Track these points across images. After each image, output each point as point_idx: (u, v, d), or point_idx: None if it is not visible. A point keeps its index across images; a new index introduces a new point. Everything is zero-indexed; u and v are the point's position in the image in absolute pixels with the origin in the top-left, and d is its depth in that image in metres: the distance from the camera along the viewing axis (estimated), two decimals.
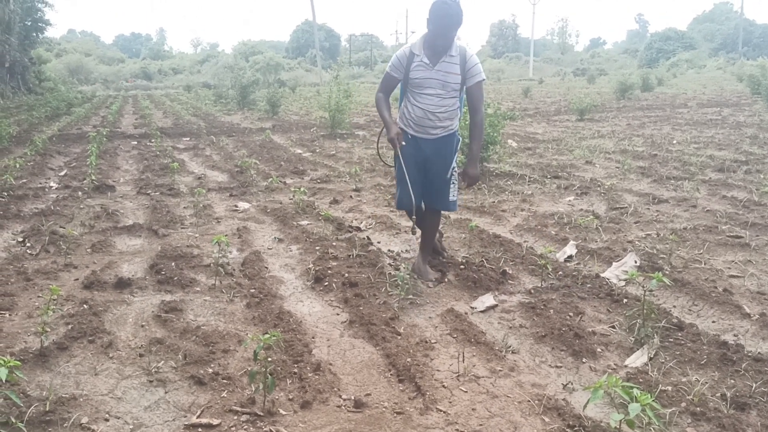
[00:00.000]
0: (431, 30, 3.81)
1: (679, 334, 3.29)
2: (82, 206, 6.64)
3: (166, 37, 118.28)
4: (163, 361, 3.09)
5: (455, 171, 4.17)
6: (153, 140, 12.64)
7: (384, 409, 2.69)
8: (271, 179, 7.93)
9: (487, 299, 3.91)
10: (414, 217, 4.19)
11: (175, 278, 4.24)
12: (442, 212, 4.73)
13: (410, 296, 3.94)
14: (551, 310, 3.66)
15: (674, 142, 11.04)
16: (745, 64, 46.14)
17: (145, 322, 3.60)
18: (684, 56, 61.91)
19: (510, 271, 4.41)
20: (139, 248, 5.15)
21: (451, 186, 4.17)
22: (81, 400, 2.73)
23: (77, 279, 4.32)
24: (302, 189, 6.93)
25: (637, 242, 5.01)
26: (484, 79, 4.00)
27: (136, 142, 12.90)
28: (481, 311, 3.77)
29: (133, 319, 3.65)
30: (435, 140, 4.07)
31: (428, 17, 3.79)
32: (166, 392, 2.83)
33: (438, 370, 3.03)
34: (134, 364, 3.08)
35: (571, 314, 3.62)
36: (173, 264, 4.55)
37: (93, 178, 7.78)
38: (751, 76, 24.99)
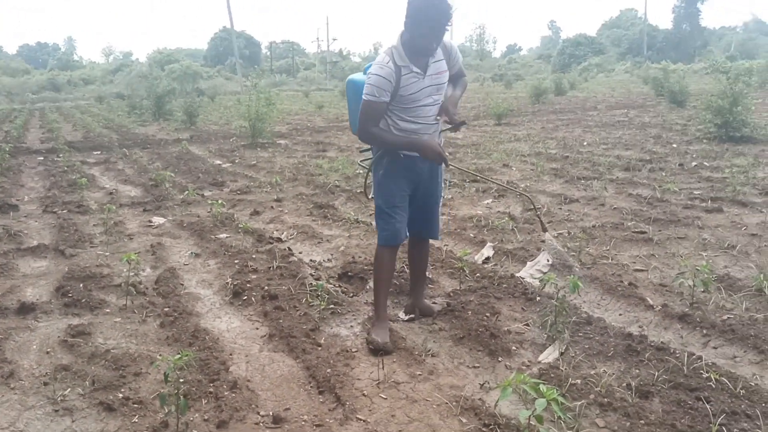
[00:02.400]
0: (419, 33, 3.06)
1: (588, 328, 3.43)
2: None
3: (75, 47, 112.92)
4: (69, 389, 2.93)
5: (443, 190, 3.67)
6: (61, 155, 12.06)
7: (303, 423, 2.66)
8: (187, 192, 7.72)
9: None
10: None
11: (83, 300, 4.05)
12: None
13: (331, 306, 3.92)
14: (469, 312, 3.73)
15: (585, 143, 11.53)
16: (650, 68, 48.69)
17: (50, 348, 3.41)
18: (594, 61, 64.83)
19: (430, 275, 4.46)
20: (44, 270, 4.88)
21: (439, 208, 3.67)
22: None
23: None
24: (221, 201, 6.79)
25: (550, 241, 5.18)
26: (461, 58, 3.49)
27: (42, 158, 12.26)
28: (405, 321, 3.79)
29: (37, 345, 3.45)
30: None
31: (410, 16, 3.06)
32: (73, 421, 2.70)
33: (358, 379, 3.02)
34: (38, 394, 2.92)
35: (488, 315, 3.70)
36: (81, 285, 4.34)
37: None
38: (654, 78, 26.45)
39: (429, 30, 3.04)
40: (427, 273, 4.06)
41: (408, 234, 3.59)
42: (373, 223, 6.11)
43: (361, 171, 8.83)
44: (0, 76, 59.12)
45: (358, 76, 3.54)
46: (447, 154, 3.30)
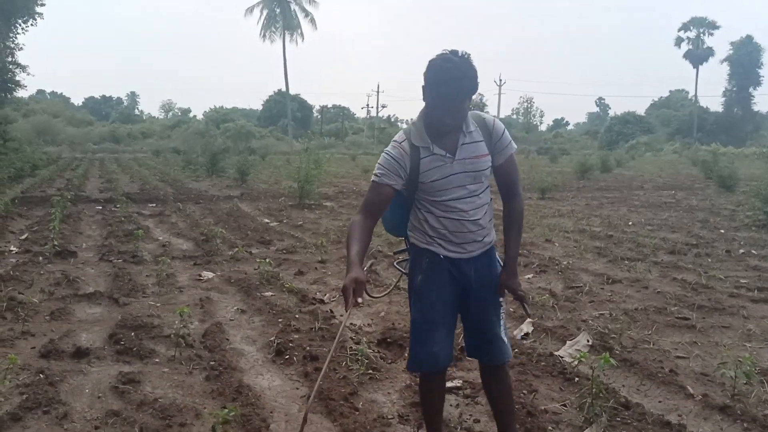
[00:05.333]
0: (430, 102, 2.54)
1: (626, 413, 3.41)
2: (42, 272, 6.58)
3: (138, 102, 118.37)
4: None
5: (503, 301, 2.83)
6: (118, 205, 12.62)
7: None
8: (236, 249, 7.99)
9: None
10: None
11: (134, 349, 4.24)
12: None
13: (370, 371, 4.00)
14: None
15: (630, 223, 11.48)
16: (699, 149, 48.44)
17: (101, 393, 3.58)
18: (642, 139, 64.81)
19: None
20: (98, 317, 5.12)
21: (502, 321, 2.81)
22: None
23: (34, 347, 4.28)
24: (267, 259, 7.00)
25: (590, 321, 5.19)
26: (515, 149, 2.77)
27: (100, 207, 12.86)
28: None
29: (89, 389, 3.63)
30: (477, 258, 2.75)
31: (424, 84, 2.52)
32: None
33: None
34: None
35: (525, 392, 3.73)
36: (133, 334, 4.55)
37: (55, 243, 7.73)
38: (704, 161, 26.23)
39: (439, 99, 2.49)
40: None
41: (475, 358, 2.95)
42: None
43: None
44: (65, 126, 62.35)
45: None
46: (360, 300, 2.39)
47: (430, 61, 2.48)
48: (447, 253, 2.69)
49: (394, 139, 2.68)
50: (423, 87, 2.52)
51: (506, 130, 2.72)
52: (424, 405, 2.97)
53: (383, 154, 2.66)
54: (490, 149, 2.66)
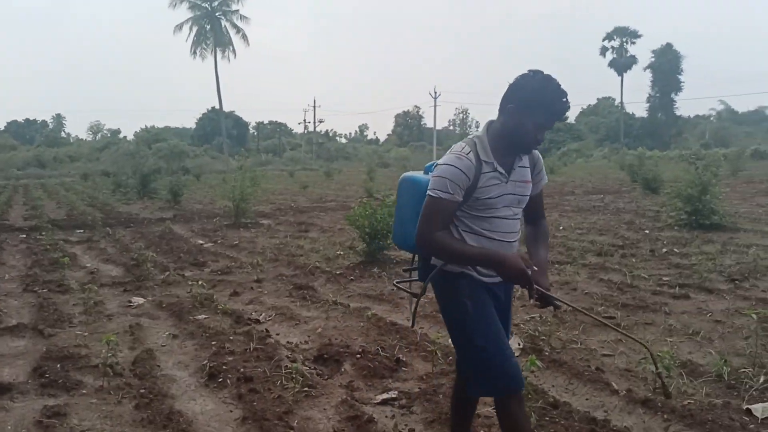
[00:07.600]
0: (532, 121, 2.46)
1: (555, 413, 3.53)
2: None
3: (64, 124, 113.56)
4: None
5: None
6: (43, 233, 12.11)
7: None
8: (168, 272, 7.80)
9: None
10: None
11: (60, 381, 4.09)
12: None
13: (305, 389, 3.99)
14: (440, 395, 3.83)
15: (561, 227, 11.86)
16: (627, 154, 50.44)
17: (25, 428, 3.45)
18: (573, 146, 67.08)
19: (404, 359, 4.56)
20: (22, 350, 4.91)
21: None
22: None
23: None
24: (201, 282, 6.88)
25: (522, 325, 5.33)
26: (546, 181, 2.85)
27: (24, 236, 12.30)
28: (377, 403, 3.86)
29: (12, 426, 3.48)
30: (504, 282, 2.67)
31: (522, 100, 2.44)
32: None
33: None
34: None
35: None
36: (58, 366, 4.38)
37: None
38: (630, 165, 27.36)
39: (548, 119, 2.46)
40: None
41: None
42: (351, 304, 6.23)
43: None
44: None
45: (419, 175, 2.81)
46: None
47: (531, 79, 2.44)
48: (481, 278, 2.62)
49: (453, 150, 2.55)
50: (517, 104, 2.45)
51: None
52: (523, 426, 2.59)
53: (447, 166, 2.48)
54: (532, 177, 2.70)
